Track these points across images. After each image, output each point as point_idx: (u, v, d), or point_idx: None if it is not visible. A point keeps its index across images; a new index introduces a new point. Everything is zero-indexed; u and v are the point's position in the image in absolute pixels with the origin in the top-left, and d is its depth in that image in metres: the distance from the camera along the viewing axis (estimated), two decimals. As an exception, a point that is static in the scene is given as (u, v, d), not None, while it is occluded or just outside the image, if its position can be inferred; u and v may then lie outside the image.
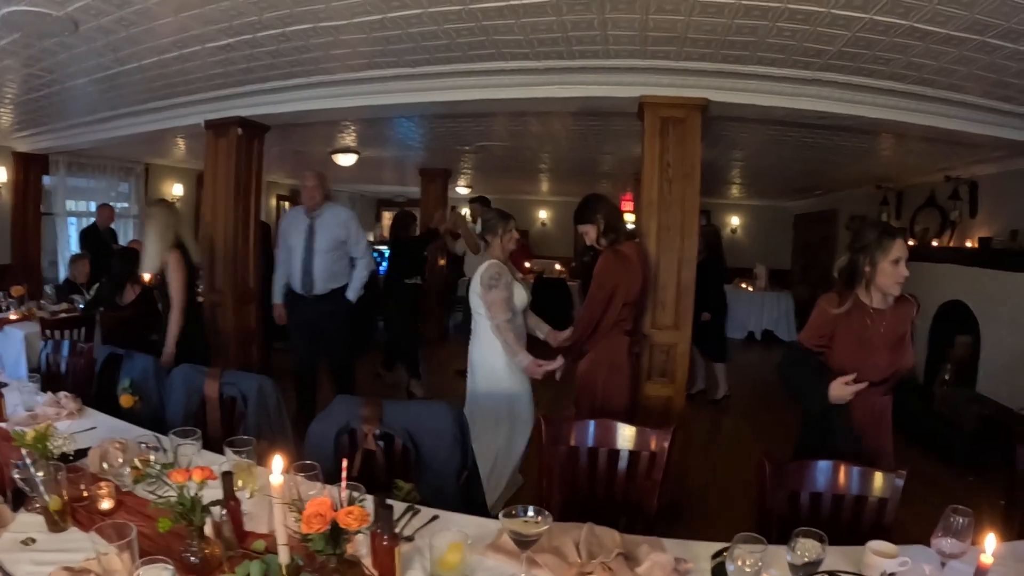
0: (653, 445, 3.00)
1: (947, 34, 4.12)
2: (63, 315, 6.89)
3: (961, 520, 2.11)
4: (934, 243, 9.44)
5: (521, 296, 4.73)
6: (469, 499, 3.03)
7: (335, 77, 5.89)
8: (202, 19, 4.56)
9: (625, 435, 3.05)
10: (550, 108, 6.56)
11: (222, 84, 6.24)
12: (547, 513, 2.06)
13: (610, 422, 3.09)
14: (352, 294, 6.60)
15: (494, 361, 4.68)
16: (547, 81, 5.47)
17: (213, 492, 2.12)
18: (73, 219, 11.09)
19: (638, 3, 4.08)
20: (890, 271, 3.19)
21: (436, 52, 5.16)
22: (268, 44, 5.07)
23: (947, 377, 8.04)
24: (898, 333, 3.26)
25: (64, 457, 2.55)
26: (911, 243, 9.45)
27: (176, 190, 12.71)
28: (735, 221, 17.01)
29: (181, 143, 10.05)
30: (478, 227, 7.20)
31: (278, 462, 1.79)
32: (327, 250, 6.36)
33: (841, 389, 3.16)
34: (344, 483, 1.94)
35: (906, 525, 2.65)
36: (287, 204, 16.30)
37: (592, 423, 3.10)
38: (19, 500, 2.31)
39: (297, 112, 6.56)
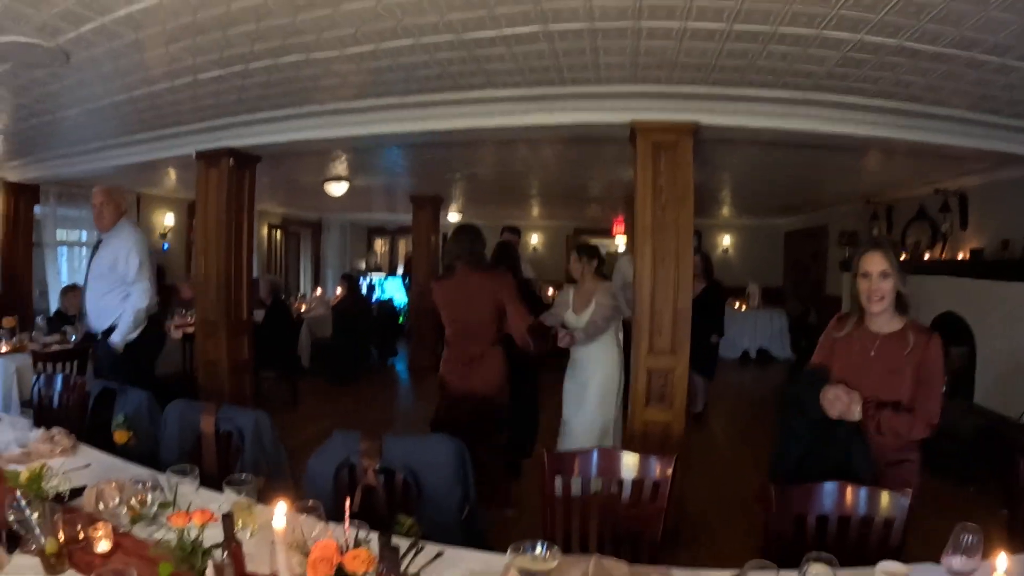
0: (657, 473, 2.98)
1: (936, 51, 4.15)
2: (55, 347, 6.82)
3: (971, 537, 2.10)
4: (926, 256, 9.48)
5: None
6: (471, 533, 3.00)
7: (326, 107, 5.89)
8: (193, 51, 4.56)
9: (628, 464, 3.03)
10: (542, 135, 6.59)
11: (213, 115, 6.24)
12: (555, 547, 2.03)
13: (613, 451, 3.08)
14: (117, 337, 5.52)
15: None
16: (538, 108, 5.48)
17: (214, 532, 2.08)
18: (63, 248, 11.00)
19: (629, 31, 4.10)
20: (861, 286, 3.07)
21: (427, 81, 5.19)
22: (259, 75, 5.07)
23: (944, 389, 8.04)
24: (894, 363, 3.04)
25: (59, 497, 2.51)
26: (902, 257, 9.50)
27: (168, 220, 12.67)
28: (726, 241, 17.06)
29: (172, 173, 10.03)
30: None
31: (281, 507, 1.76)
32: (96, 278, 5.68)
33: (832, 396, 3.02)
34: (348, 523, 1.91)
35: (908, 540, 2.63)
36: (279, 233, 16.30)
37: (595, 452, 3.08)
38: (14, 542, 2.26)
39: (288, 142, 6.54)
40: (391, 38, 4.29)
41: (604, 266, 5.84)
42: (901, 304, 3.07)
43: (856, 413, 2.99)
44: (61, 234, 10.89)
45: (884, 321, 3.09)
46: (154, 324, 5.92)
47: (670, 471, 2.97)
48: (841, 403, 3.00)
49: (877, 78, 4.76)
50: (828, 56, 4.39)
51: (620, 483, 3.04)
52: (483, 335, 4.95)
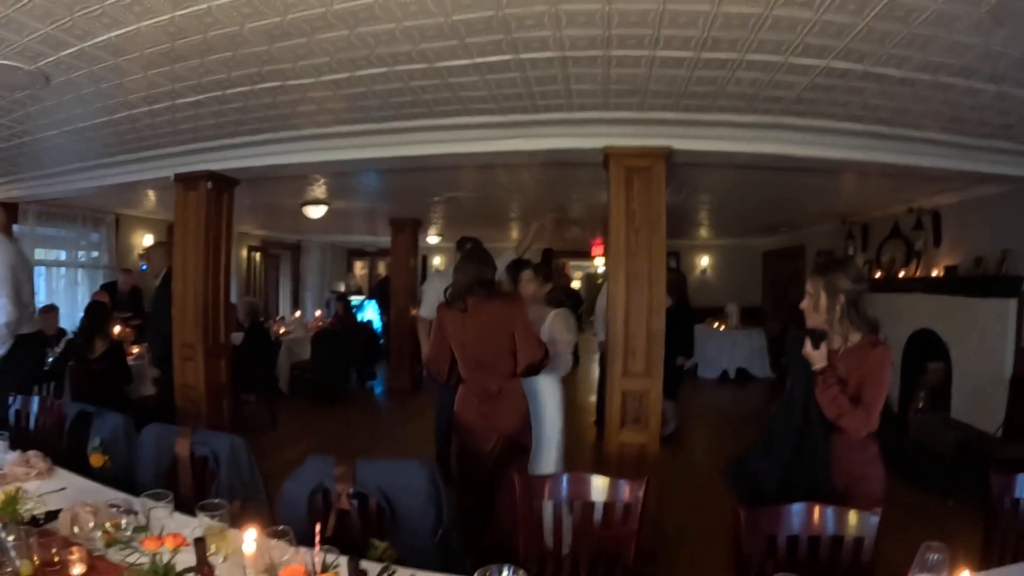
0: (627, 495, 3.02)
1: (902, 76, 4.24)
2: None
3: (936, 556, 2.12)
4: (901, 274, 9.59)
5: None
6: (446, 556, 3.02)
7: (303, 132, 5.94)
8: (171, 76, 4.59)
9: (598, 487, 3.07)
10: (517, 160, 6.64)
11: (192, 139, 6.27)
12: (521, 571, 2.05)
13: (583, 475, 3.11)
14: None
15: None
16: (513, 135, 5.54)
17: (187, 557, 2.11)
18: (42, 269, 10.90)
19: (599, 59, 4.17)
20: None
21: (402, 108, 5.24)
22: (237, 101, 5.11)
23: (921, 404, 8.16)
24: (858, 377, 3.14)
25: (34, 520, 2.53)
26: (877, 275, 9.63)
27: (146, 241, 12.64)
28: (704, 261, 17.16)
29: (151, 195, 10.01)
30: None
31: (251, 532, 1.79)
32: None
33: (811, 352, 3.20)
34: (317, 547, 1.94)
35: (888, 555, 2.68)
36: (258, 255, 16.28)
37: (565, 476, 3.12)
38: (-11, 564, 2.28)
39: (266, 166, 6.58)
40: (365, 66, 4.36)
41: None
42: (850, 325, 3.27)
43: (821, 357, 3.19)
44: (40, 254, 10.82)
45: (837, 339, 3.28)
46: (30, 343, 5.94)
47: (641, 493, 3.01)
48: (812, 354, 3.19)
49: (846, 102, 4.85)
50: (796, 82, 4.47)
51: (592, 505, 3.08)
52: (502, 368, 4.55)
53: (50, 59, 4.24)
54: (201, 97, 5.04)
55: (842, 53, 3.96)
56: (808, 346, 3.19)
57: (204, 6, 3.53)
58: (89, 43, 4.00)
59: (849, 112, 5.07)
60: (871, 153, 5.60)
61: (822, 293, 3.25)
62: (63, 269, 11.14)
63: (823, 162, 5.84)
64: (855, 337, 3.22)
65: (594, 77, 4.51)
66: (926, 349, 8.52)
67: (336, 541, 2.26)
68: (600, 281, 13.75)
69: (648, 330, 5.31)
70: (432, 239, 15.65)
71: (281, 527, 2.29)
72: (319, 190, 9.53)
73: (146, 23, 3.73)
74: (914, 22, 3.50)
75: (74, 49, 4.09)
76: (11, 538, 2.18)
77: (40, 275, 10.84)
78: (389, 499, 3.02)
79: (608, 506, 3.06)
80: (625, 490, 3.03)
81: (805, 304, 3.32)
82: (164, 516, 2.59)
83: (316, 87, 4.76)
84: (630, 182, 5.37)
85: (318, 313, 14.12)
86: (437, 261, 18.43)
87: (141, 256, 12.35)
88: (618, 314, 5.35)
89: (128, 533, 2.52)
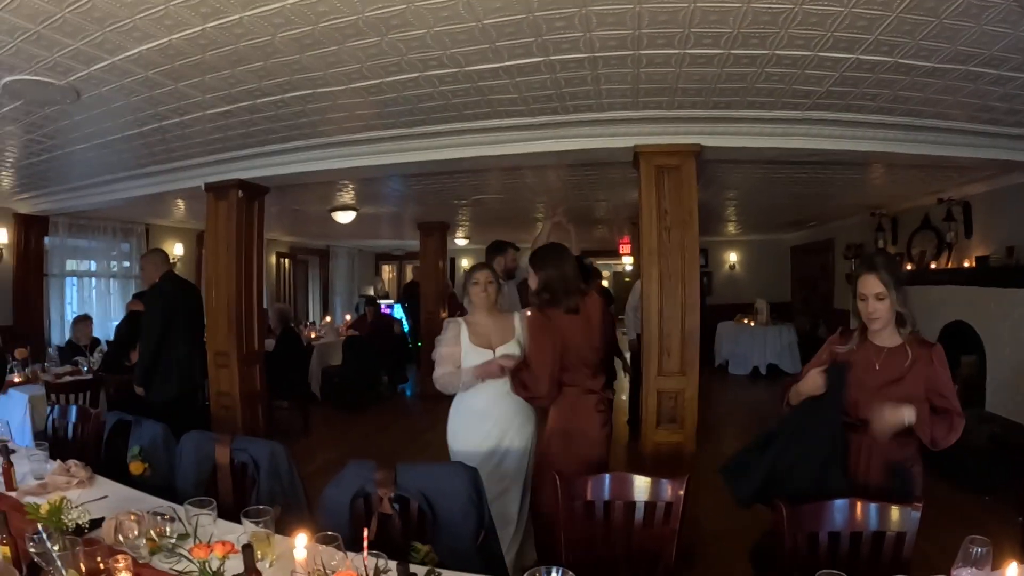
0: (669, 495, 3.00)
1: (931, 67, 4.22)
2: (68, 378, 6.85)
3: (979, 550, 2.10)
4: (932, 265, 9.45)
5: None
6: (487, 559, 3.02)
7: (333, 139, 5.98)
8: (202, 87, 4.64)
9: (641, 486, 3.05)
10: (546, 162, 6.65)
11: (221, 148, 6.33)
12: (570, 573, 2.03)
13: (625, 475, 3.10)
14: None
15: None
16: (542, 136, 5.57)
17: (234, 563, 2.12)
18: (73, 279, 11.06)
19: (629, 59, 4.19)
20: (860, 307, 3.11)
21: (432, 113, 5.27)
22: (267, 110, 5.17)
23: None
24: (895, 374, 3.04)
25: (79, 529, 2.54)
26: (908, 267, 9.48)
27: (177, 250, 12.74)
28: (733, 257, 17.04)
29: (181, 204, 10.09)
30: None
31: (301, 539, 1.80)
32: None
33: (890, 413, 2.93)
34: (365, 552, 1.94)
35: (926, 552, 2.65)
36: (287, 262, 16.36)
37: (608, 476, 3.11)
38: (35, 574, 2.30)
39: (296, 174, 6.64)
40: (396, 72, 4.39)
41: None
42: (900, 320, 3.07)
43: (909, 416, 2.89)
44: (71, 264, 10.93)
45: (887, 336, 3.11)
46: None
47: (682, 492, 2.99)
48: (897, 415, 2.93)
49: (875, 95, 4.83)
50: (826, 76, 4.47)
51: (632, 505, 3.06)
52: (595, 366, 4.12)
53: (81, 74, 4.30)
54: (231, 107, 5.10)
55: (872, 46, 3.95)
56: (893, 414, 2.91)
57: (235, 17, 3.57)
58: (120, 57, 4.06)
59: (878, 104, 5.04)
60: (900, 145, 5.58)
61: (893, 291, 3.03)
62: (94, 280, 11.22)
63: (852, 155, 5.83)
64: (897, 337, 3.11)
65: (624, 77, 4.51)
66: (959, 341, 8.38)
67: (376, 545, 2.27)
68: (628, 279, 13.66)
69: (683, 329, 5.30)
70: (460, 242, 15.65)
71: (330, 533, 2.30)
72: (347, 196, 9.57)
73: (177, 36, 3.78)
74: (944, 13, 3.49)
75: (105, 63, 4.15)
76: (56, 547, 2.20)
77: (72, 285, 10.99)
78: (430, 502, 3.01)
79: (649, 505, 3.04)
80: (667, 489, 3.00)
81: (879, 307, 3.03)
82: (207, 523, 2.60)
83: (346, 94, 4.79)
84: (660, 180, 5.38)
85: (348, 318, 14.13)
86: (465, 263, 18.43)
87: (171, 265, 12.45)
88: (652, 314, 5.34)
89: (172, 540, 2.53)
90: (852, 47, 3.99)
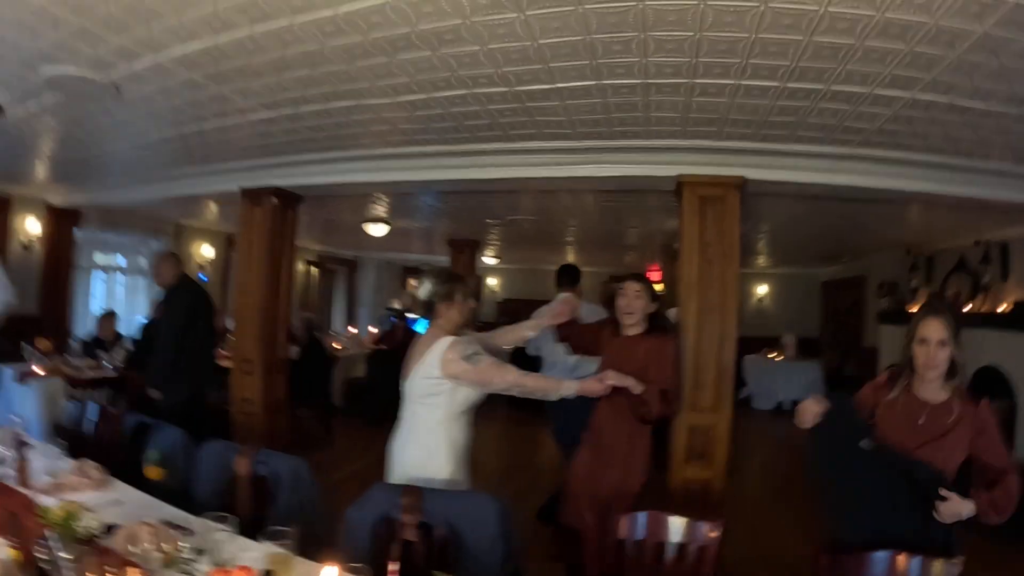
0: (705, 537, 2.91)
1: (986, 108, 4.15)
2: (89, 373, 6.85)
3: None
4: (966, 308, 9.26)
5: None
6: (513, 593, 2.93)
7: (373, 152, 5.95)
8: (245, 93, 4.62)
9: (676, 527, 2.95)
10: (587, 187, 6.60)
11: (260, 154, 6.32)
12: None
13: (661, 514, 3.00)
14: None
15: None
16: (585, 160, 5.50)
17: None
18: (101, 273, 11.07)
19: (683, 87, 4.13)
20: (917, 352, 2.87)
21: (477, 131, 5.22)
22: (309, 119, 5.13)
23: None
24: (939, 431, 2.84)
25: (91, 537, 2.48)
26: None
27: (206, 251, 12.77)
28: (762, 290, 16.88)
29: (213, 206, 10.10)
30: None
31: (331, 571, 1.72)
32: None
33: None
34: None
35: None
36: (315, 270, 16.36)
37: (643, 515, 3.01)
38: (42, 580, 2.23)
39: (332, 184, 6.61)
40: (445, 88, 4.34)
41: None
42: (951, 371, 2.88)
43: (968, 511, 2.72)
44: (100, 258, 10.97)
45: (935, 388, 2.91)
46: None
47: (716, 534, 2.89)
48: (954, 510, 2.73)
49: (927, 134, 4.75)
50: (879, 113, 4.39)
51: (663, 545, 2.96)
52: None
53: (122, 71, 4.28)
54: (273, 114, 5.07)
55: (929, 85, 3.88)
56: (950, 509, 2.69)
57: (285, 23, 3.52)
58: (163, 55, 4.03)
59: (928, 144, 4.96)
60: (946, 185, 5.48)
61: (953, 340, 2.85)
62: (122, 275, 11.24)
63: (897, 194, 5.73)
64: (945, 391, 2.90)
65: (675, 105, 4.46)
66: (989, 386, 8.23)
67: (399, 572, 2.19)
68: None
69: (718, 364, 5.21)
70: (490, 260, 15.61)
71: (360, 565, 2.21)
72: (381, 208, 9.55)
73: (224, 38, 3.74)
74: (1004, 53, 3.40)
75: (148, 62, 4.12)
76: (67, 555, 2.13)
77: (100, 279, 11.01)
78: (456, 531, 2.94)
79: (683, 547, 2.94)
80: (704, 532, 2.91)
81: (940, 355, 2.84)
82: (224, 539, 2.52)
83: (391, 107, 4.75)
84: (704, 212, 5.31)
85: (373, 330, 14.09)
86: (493, 282, 18.40)
87: (200, 267, 12.49)
88: (687, 347, 5.23)
89: (187, 555, 2.45)
90: (909, 85, 3.91)
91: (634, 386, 3.49)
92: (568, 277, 5.54)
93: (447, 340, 3.48)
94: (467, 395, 3.52)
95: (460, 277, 3.77)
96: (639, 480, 3.88)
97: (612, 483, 3.83)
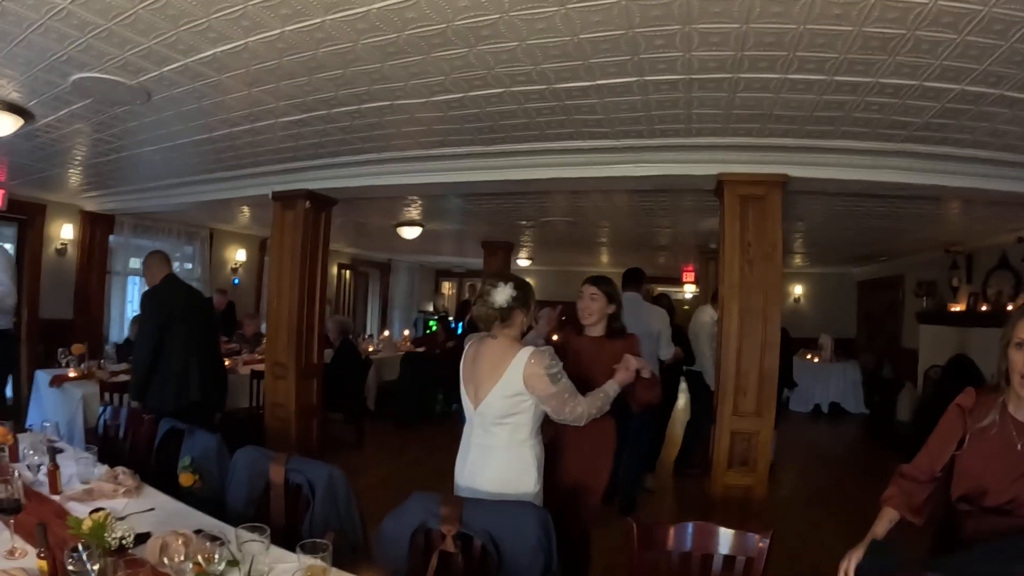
0: (754, 550, 2.79)
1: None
2: (123, 376, 6.80)
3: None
4: (1009, 307, 9.02)
5: None
6: (554, 604, 2.84)
7: (406, 154, 5.90)
8: (276, 94, 4.57)
9: (725, 539, 2.84)
10: (624, 187, 6.49)
11: (292, 157, 6.29)
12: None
13: (710, 525, 2.88)
14: None
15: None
16: (623, 159, 5.41)
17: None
18: (135, 278, 11.13)
19: (726, 82, 4.02)
20: (1015, 359, 2.40)
21: (513, 131, 5.15)
22: (341, 120, 5.07)
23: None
24: None
25: (122, 547, 2.41)
26: (983, 308, 9.09)
27: (239, 255, 12.84)
28: (798, 290, 16.67)
29: (246, 210, 10.16)
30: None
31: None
32: None
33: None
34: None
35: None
36: (348, 273, 16.37)
37: (691, 526, 2.89)
38: (70, 592, 2.16)
39: (365, 187, 6.57)
40: (481, 87, 4.27)
41: None
42: None
43: None
44: (134, 264, 11.01)
45: None
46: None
47: (764, 546, 2.78)
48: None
49: (974, 128, 4.63)
50: (927, 107, 4.27)
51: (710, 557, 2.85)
52: None
53: (152, 74, 4.24)
54: (305, 116, 5.03)
55: (979, 77, 3.76)
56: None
57: (317, 21, 3.46)
58: (193, 58, 3.98)
59: (975, 138, 4.83)
60: (993, 181, 5.35)
61: None
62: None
63: (940, 190, 5.62)
64: None
65: (717, 101, 4.35)
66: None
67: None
68: (687, 307, 13.43)
69: (761, 368, 5.09)
70: (523, 262, 15.53)
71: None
72: (414, 211, 9.51)
73: (254, 38, 3.69)
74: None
75: (177, 64, 4.08)
76: (96, 567, 2.06)
77: (134, 284, 11.13)
78: (496, 543, 2.85)
79: (729, 559, 2.83)
80: (753, 543, 2.79)
81: None
82: (259, 549, 2.45)
83: (426, 107, 4.68)
84: (745, 211, 5.21)
85: (406, 333, 14.07)
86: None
87: (233, 271, 12.54)
88: (729, 351, 5.15)
89: (220, 568, 2.38)
90: (959, 77, 3.78)
91: (646, 368, 3.53)
92: (633, 279, 6.18)
93: (527, 350, 3.29)
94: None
95: (528, 283, 3.60)
96: (605, 479, 3.91)
97: (579, 477, 3.80)
